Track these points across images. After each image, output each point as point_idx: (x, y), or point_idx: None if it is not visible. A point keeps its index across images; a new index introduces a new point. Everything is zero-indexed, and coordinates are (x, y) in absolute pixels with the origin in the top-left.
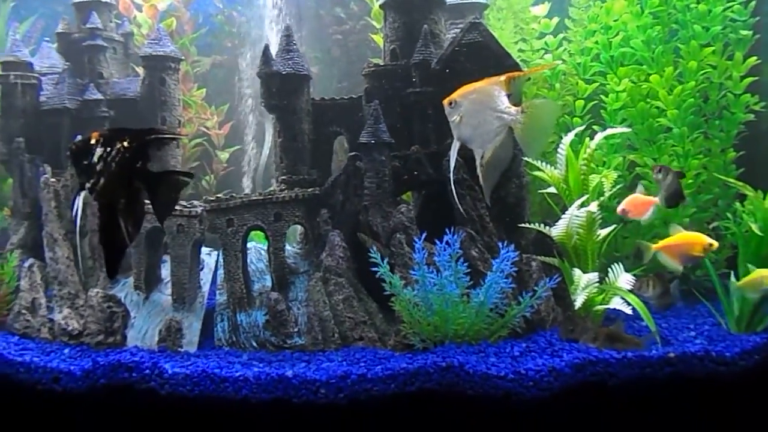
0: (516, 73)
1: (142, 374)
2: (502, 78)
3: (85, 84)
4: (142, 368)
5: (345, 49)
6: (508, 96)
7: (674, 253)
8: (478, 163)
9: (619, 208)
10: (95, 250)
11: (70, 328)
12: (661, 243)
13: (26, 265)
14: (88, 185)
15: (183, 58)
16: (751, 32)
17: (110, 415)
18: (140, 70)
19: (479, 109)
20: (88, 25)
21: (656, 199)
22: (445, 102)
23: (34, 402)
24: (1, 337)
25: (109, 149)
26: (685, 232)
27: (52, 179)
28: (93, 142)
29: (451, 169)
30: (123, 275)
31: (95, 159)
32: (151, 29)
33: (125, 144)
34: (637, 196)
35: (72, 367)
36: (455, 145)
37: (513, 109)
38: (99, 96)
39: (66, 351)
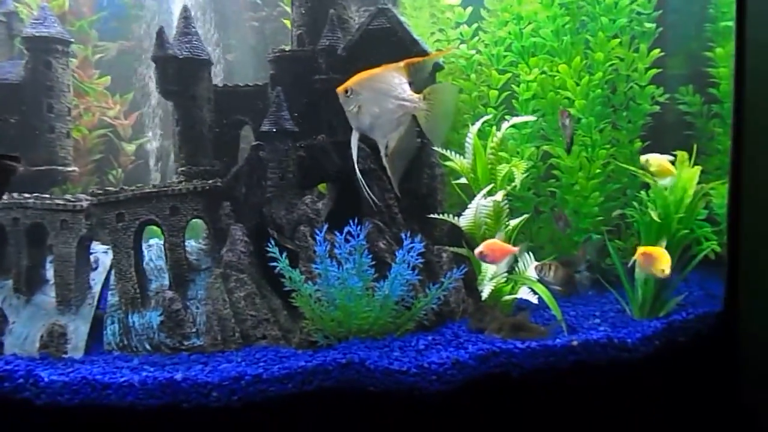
0: (415, 59)
1: (15, 384)
2: (402, 64)
3: None
4: (15, 377)
5: (261, 37)
6: (410, 83)
7: None
8: (382, 153)
9: (476, 251)
10: None
11: None
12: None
13: None
14: None
15: (72, 40)
16: (654, 25)
17: None
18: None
19: (379, 98)
20: None
21: (515, 249)
22: (340, 90)
23: None
24: None
25: None
26: None
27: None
28: None
29: (354, 159)
30: (2, 277)
31: None
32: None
33: None
34: (496, 242)
35: None
36: (355, 136)
37: (415, 96)
38: None
39: None
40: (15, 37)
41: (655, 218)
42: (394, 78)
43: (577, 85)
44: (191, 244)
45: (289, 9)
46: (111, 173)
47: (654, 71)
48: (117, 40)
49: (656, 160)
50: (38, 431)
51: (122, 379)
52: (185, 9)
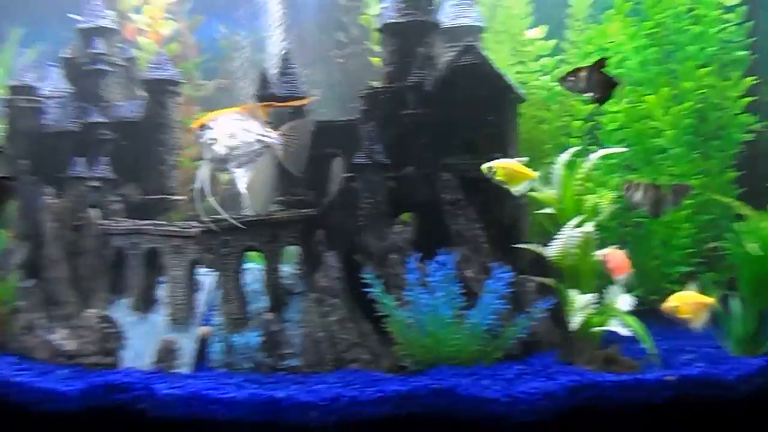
0: (272, 104)
1: (134, 395)
2: (259, 105)
3: (88, 107)
4: (134, 389)
5: (346, 73)
6: (269, 122)
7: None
8: (238, 184)
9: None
10: (93, 271)
11: (66, 348)
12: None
13: (25, 285)
14: None
15: (183, 81)
16: (747, 53)
17: None
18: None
19: (234, 133)
20: (91, 51)
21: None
22: (195, 125)
23: (29, 423)
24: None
25: None
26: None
27: (53, 201)
28: None
29: (199, 187)
30: (120, 296)
31: None
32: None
33: None
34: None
35: (67, 388)
36: (206, 165)
37: (273, 133)
38: (101, 119)
39: (62, 371)
40: (134, 80)
41: (752, 251)
42: (251, 117)
43: (665, 115)
44: (285, 269)
45: (372, 46)
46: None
47: (747, 99)
48: (214, 78)
49: (502, 166)
50: None
51: (229, 395)
52: (286, 52)
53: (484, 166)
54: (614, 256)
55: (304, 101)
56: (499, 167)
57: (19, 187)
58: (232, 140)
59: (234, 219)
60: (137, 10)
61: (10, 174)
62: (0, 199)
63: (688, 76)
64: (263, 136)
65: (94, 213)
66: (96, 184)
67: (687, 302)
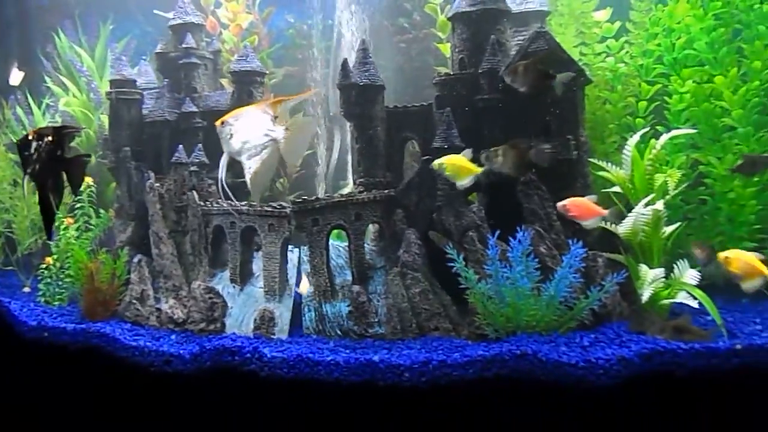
0: (280, 99)
1: (244, 357)
2: (269, 102)
3: (181, 98)
4: (244, 352)
5: (408, 57)
6: (275, 117)
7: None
8: (246, 171)
9: (559, 204)
10: (195, 247)
11: (175, 316)
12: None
13: (135, 260)
14: (28, 171)
15: (267, 72)
16: None
17: (214, 394)
18: (225, 83)
19: (248, 128)
20: (183, 45)
21: (604, 212)
22: (218, 123)
23: (147, 382)
24: (116, 325)
25: (39, 143)
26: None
27: (156, 184)
28: (30, 138)
29: (221, 175)
30: (219, 269)
31: (32, 151)
32: (235, 46)
33: (49, 138)
34: (585, 201)
35: (181, 351)
36: (225, 156)
37: (278, 128)
38: (194, 108)
39: (173, 337)
40: (218, 71)
41: None
42: (262, 113)
43: (734, 94)
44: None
45: (435, 32)
46: (279, 182)
47: None
48: (283, 65)
49: (450, 162)
50: (261, 399)
51: (329, 358)
52: (363, 42)
53: (435, 163)
54: (575, 204)
55: (307, 95)
56: (448, 163)
57: (124, 171)
58: (245, 135)
59: (323, 200)
60: (217, 5)
61: (112, 160)
62: (78, 177)
63: (756, 55)
64: (270, 131)
65: (192, 195)
66: (194, 168)
67: (740, 259)
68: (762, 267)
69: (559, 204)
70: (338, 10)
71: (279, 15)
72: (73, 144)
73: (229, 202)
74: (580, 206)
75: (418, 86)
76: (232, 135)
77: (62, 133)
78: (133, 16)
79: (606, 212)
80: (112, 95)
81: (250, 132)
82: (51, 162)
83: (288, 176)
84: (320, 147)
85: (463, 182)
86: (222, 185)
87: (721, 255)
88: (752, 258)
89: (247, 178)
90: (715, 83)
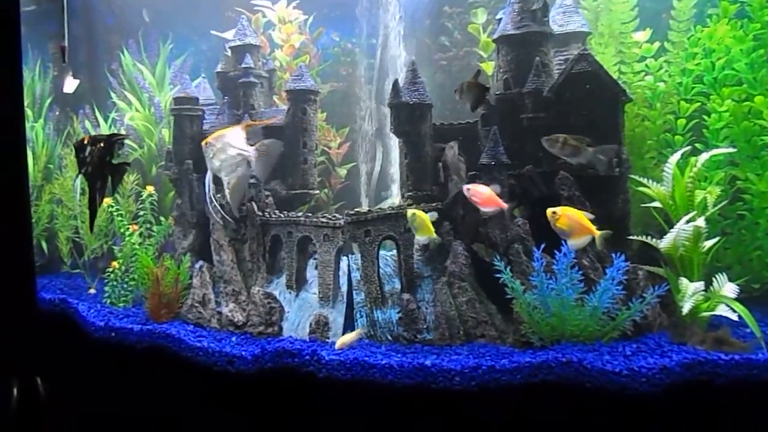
0: (251, 123)
1: (303, 360)
2: (242, 125)
3: (240, 114)
4: (303, 355)
5: (448, 74)
6: (247, 139)
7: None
8: (225, 185)
9: (550, 210)
10: (254, 254)
11: (235, 319)
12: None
13: (197, 266)
14: (82, 171)
15: (320, 90)
16: None
17: (274, 393)
18: (277, 100)
19: (225, 148)
20: (243, 65)
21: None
22: (203, 143)
23: (210, 381)
24: (180, 326)
25: (92, 147)
26: None
27: (218, 195)
28: (86, 142)
29: (207, 193)
30: (275, 276)
31: (86, 154)
32: (288, 65)
33: (101, 144)
34: (581, 217)
35: (243, 352)
36: (209, 174)
37: (250, 148)
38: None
39: (233, 339)
40: (273, 89)
41: None
42: (237, 134)
43: None
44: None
45: (476, 51)
46: (324, 192)
47: None
48: (329, 81)
49: (417, 216)
50: (318, 400)
51: (383, 362)
52: (412, 63)
53: (409, 213)
54: (478, 191)
55: (272, 121)
56: (416, 216)
57: (186, 182)
58: (223, 154)
59: (374, 212)
60: (268, 26)
61: (174, 172)
62: (118, 180)
63: None
64: (243, 150)
65: (251, 206)
66: (253, 181)
67: (568, 215)
68: (589, 225)
69: (464, 187)
70: (382, 28)
71: (325, 33)
72: (135, 156)
73: (223, 215)
74: (482, 194)
75: (457, 102)
76: (214, 154)
77: (112, 141)
78: (189, 36)
79: (506, 206)
80: (176, 111)
81: (227, 151)
82: (101, 165)
83: (332, 187)
84: (363, 160)
85: (421, 239)
86: (211, 199)
87: (549, 211)
88: (580, 215)
89: (226, 191)
90: (754, 102)
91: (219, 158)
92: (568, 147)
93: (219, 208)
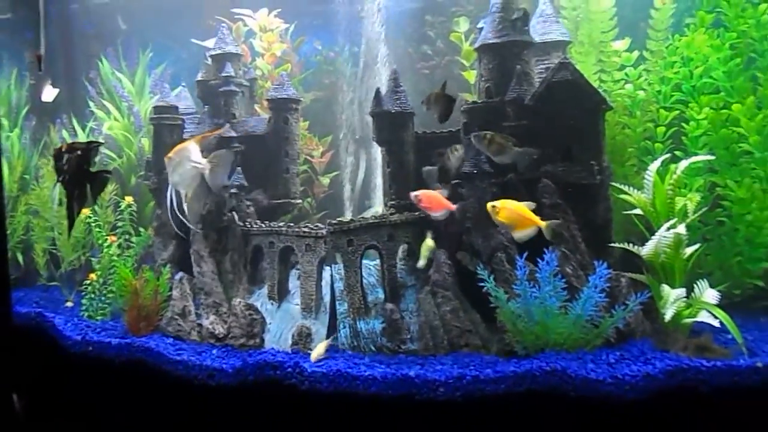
0: (204, 135)
1: (285, 372)
2: (197, 138)
3: (221, 123)
4: (285, 367)
5: (431, 83)
6: (201, 151)
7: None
8: (183, 198)
9: (412, 194)
10: (235, 265)
11: (216, 331)
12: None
13: (177, 277)
14: (59, 179)
15: (302, 99)
16: None
17: (256, 407)
18: (258, 109)
19: (182, 161)
20: (223, 74)
21: (453, 206)
22: (166, 159)
23: (190, 395)
24: (159, 339)
25: (70, 155)
26: None
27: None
28: (63, 150)
29: (170, 205)
30: (257, 287)
31: (64, 161)
32: (269, 74)
33: (78, 152)
34: (437, 195)
35: (223, 365)
36: (171, 188)
37: (203, 160)
38: (233, 133)
39: (214, 351)
40: (254, 98)
41: None
42: (192, 148)
43: (750, 121)
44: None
45: (458, 59)
46: (307, 201)
47: None
48: (311, 90)
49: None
50: (301, 413)
51: (366, 373)
52: (394, 72)
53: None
54: (427, 196)
55: (219, 131)
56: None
57: (166, 192)
58: (181, 168)
59: (357, 222)
60: (249, 35)
61: (154, 182)
62: (98, 189)
63: None
64: (197, 163)
65: (233, 216)
66: (234, 190)
67: (508, 208)
68: (532, 216)
69: (412, 194)
70: (364, 37)
71: (307, 42)
72: (114, 165)
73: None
74: (431, 198)
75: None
76: (173, 169)
77: (89, 148)
78: (169, 44)
79: (454, 207)
80: (156, 120)
81: (184, 165)
82: (79, 173)
83: (315, 196)
84: (346, 169)
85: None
86: (175, 213)
87: (489, 205)
88: (521, 207)
89: (184, 204)
90: (732, 110)
91: (178, 172)
92: (494, 145)
93: (181, 221)
